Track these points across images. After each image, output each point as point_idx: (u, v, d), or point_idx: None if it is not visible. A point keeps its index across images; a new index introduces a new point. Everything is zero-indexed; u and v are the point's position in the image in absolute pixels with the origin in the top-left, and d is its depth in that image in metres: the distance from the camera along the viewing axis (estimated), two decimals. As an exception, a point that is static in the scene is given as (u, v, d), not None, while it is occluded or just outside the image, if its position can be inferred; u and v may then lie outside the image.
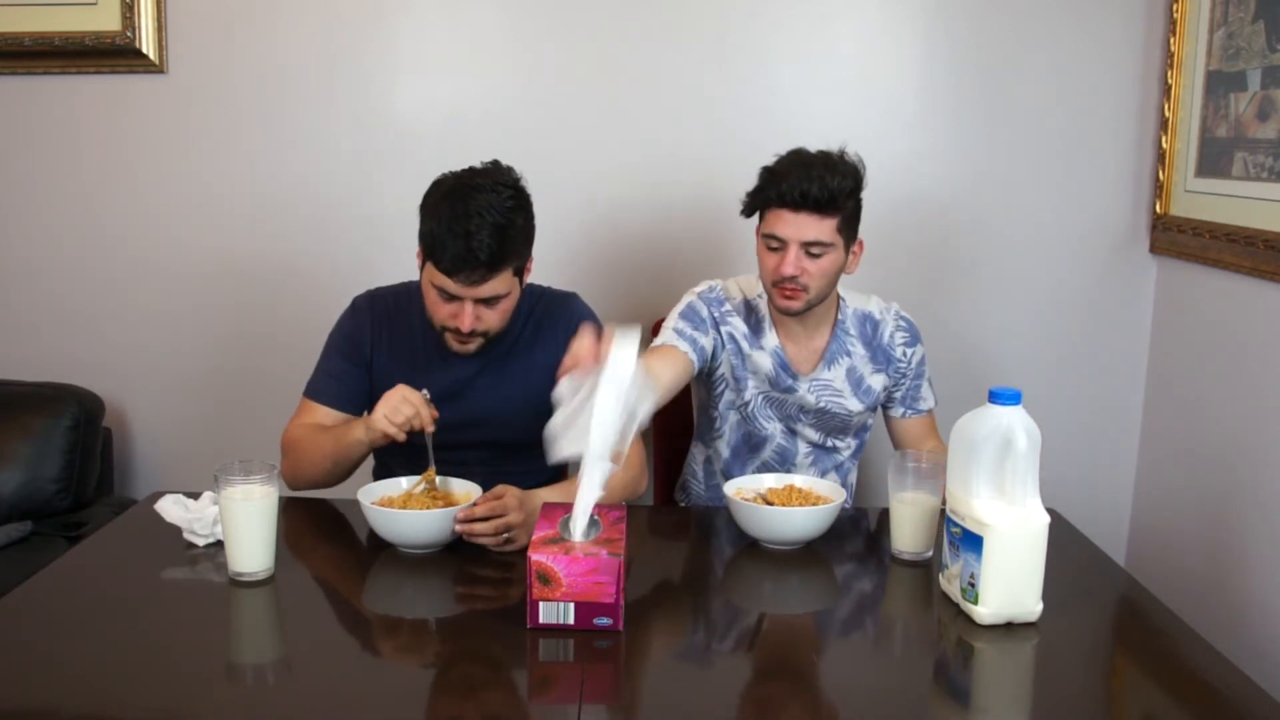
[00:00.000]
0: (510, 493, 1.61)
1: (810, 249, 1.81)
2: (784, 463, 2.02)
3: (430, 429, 1.69)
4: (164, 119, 2.47)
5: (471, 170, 1.76)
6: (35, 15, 2.41)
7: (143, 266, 2.53)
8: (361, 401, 1.90)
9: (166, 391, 2.58)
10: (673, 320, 1.96)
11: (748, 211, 1.90)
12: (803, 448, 2.02)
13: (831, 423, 2.00)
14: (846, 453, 2.06)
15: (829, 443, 2.03)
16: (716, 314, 1.96)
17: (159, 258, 2.53)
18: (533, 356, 1.88)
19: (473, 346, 1.79)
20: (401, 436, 1.68)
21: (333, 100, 2.45)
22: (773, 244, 1.83)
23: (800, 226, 1.80)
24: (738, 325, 1.97)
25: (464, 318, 1.73)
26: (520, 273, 1.79)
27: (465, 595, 1.56)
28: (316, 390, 1.89)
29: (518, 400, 1.88)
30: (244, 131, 2.47)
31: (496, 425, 1.88)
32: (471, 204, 1.68)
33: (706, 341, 1.93)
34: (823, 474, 2.04)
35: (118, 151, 2.49)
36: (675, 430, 2.37)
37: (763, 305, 1.97)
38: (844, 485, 2.09)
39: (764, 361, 1.96)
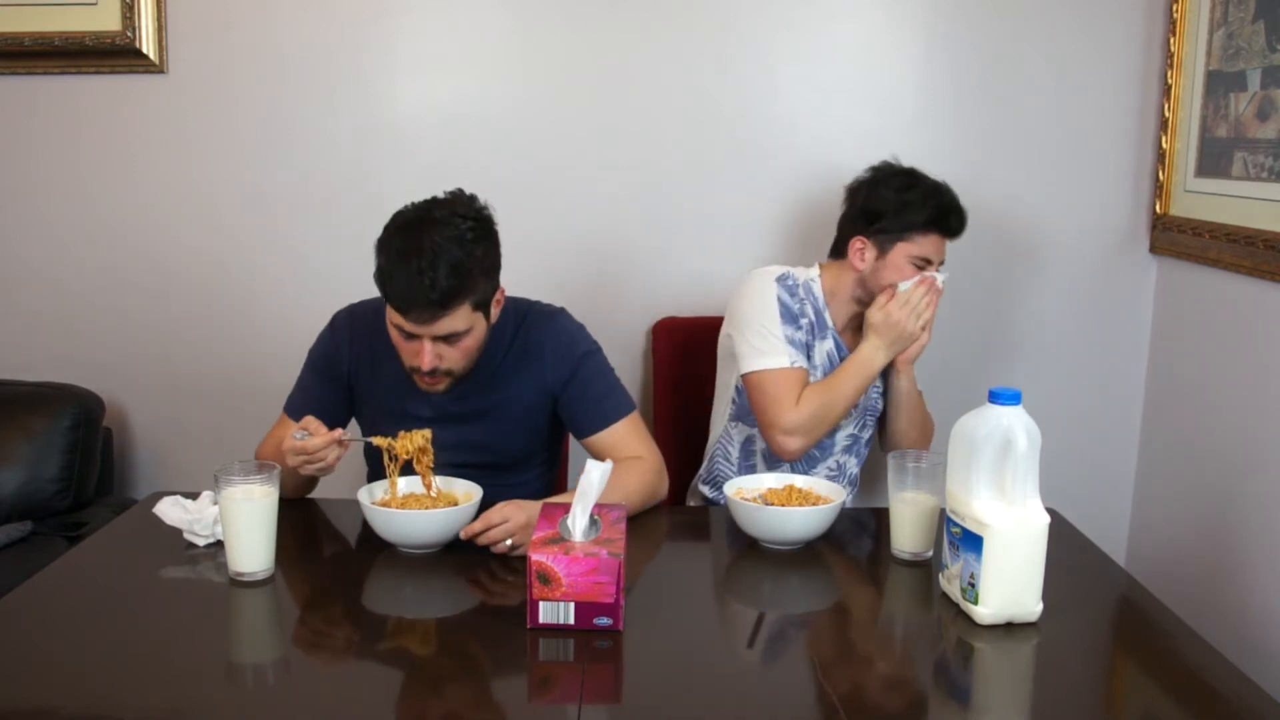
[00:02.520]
0: (506, 505, 1.60)
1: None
2: (824, 451, 2.09)
3: (343, 437, 1.65)
4: (164, 119, 2.47)
5: (431, 202, 1.69)
6: (35, 15, 2.41)
7: (143, 266, 2.53)
8: (335, 419, 1.80)
9: (166, 391, 2.58)
10: (773, 324, 1.99)
11: (895, 231, 1.98)
12: (840, 436, 2.09)
13: (865, 403, 2.08)
14: (865, 437, 2.14)
15: (864, 432, 2.13)
16: (797, 305, 2.02)
17: (159, 258, 2.52)
18: (519, 376, 1.83)
19: (441, 386, 1.73)
20: (322, 468, 1.66)
21: (333, 100, 2.45)
22: (921, 264, 1.99)
23: (944, 251, 2.03)
24: (809, 314, 2.04)
25: (423, 356, 1.66)
26: (485, 306, 1.71)
27: (465, 595, 1.56)
28: (292, 405, 1.88)
29: (505, 420, 1.84)
30: (244, 132, 2.47)
31: (483, 446, 1.83)
32: (425, 239, 1.60)
33: (804, 336, 2.03)
34: (847, 455, 2.12)
35: (118, 151, 2.49)
36: (678, 426, 2.37)
37: (817, 288, 2.06)
38: (855, 477, 2.16)
39: (823, 350, 2.05)
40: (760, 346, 1.98)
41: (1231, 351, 2.12)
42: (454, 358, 1.70)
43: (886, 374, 2.06)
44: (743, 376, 2.02)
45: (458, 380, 1.75)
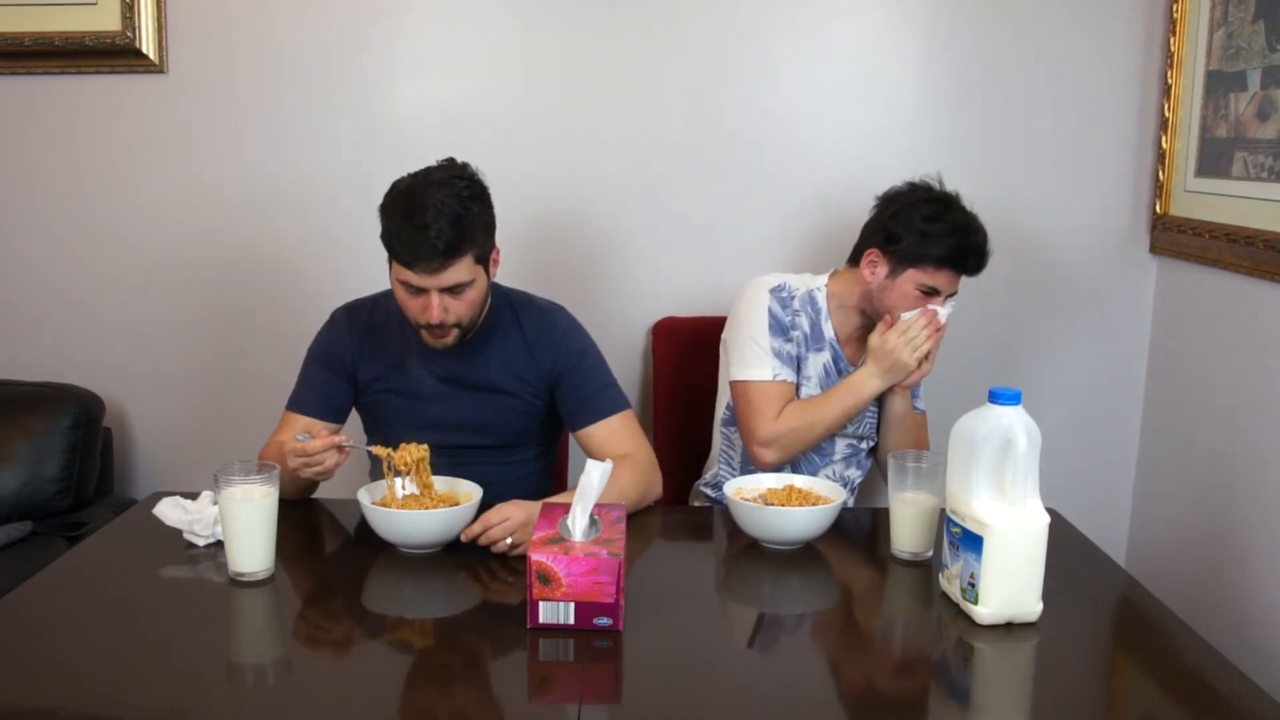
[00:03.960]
0: (506, 505, 1.62)
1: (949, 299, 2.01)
2: (824, 457, 2.09)
3: (344, 442, 1.66)
4: (164, 119, 2.47)
5: (427, 169, 1.78)
6: (35, 15, 2.41)
7: (143, 266, 2.53)
8: (343, 409, 1.90)
9: (167, 391, 2.58)
10: (761, 336, 2.00)
11: (910, 257, 1.94)
12: (840, 444, 2.09)
13: (864, 417, 2.07)
14: (865, 448, 2.14)
15: (863, 443, 2.12)
16: (789, 318, 2.02)
17: (159, 258, 2.52)
18: (515, 367, 1.87)
19: (449, 340, 1.79)
20: (323, 472, 1.67)
21: (333, 100, 2.45)
22: (928, 291, 1.96)
23: (956, 284, 1.99)
24: (803, 325, 2.04)
25: (432, 310, 1.73)
26: (484, 261, 1.78)
27: (465, 595, 1.56)
28: (298, 402, 1.89)
29: (502, 407, 1.88)
30: (244, 132, 2.47)
31: (480, 430, 1.88)
32: (427, 199, 1.69)
33: (794, 349, 2.02)
34: (847, 465, 2.11)
35: (118, 151, 2.49)
36: (678, 426, 2.37)
37: (820, 297, 2.05)
38: (856, 486, 2.15)
39: (818, 362, 2.05)
40: (746, 357, 1.99)
41: (1231, 351, 2.12)
42: (459, 310, 1.76)
43: (882, 393, 2.04)
44: (730, 384, 2.04)
45: (464, 333, 1.80)
